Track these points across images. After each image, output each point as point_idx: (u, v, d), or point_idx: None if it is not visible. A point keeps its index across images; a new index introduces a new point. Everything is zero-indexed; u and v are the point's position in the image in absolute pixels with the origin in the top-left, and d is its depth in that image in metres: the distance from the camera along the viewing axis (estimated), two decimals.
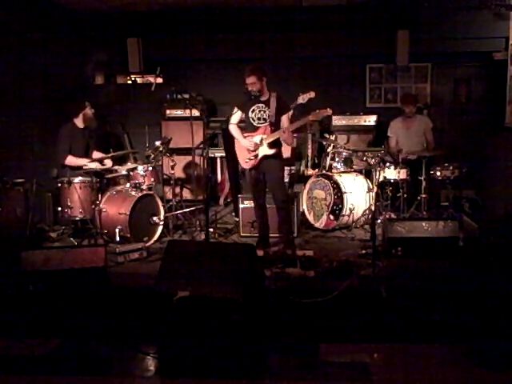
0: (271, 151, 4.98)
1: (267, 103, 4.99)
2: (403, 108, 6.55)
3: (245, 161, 5.13)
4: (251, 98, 5.01)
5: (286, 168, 5.95)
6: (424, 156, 5.84)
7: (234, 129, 5.22)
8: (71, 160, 5.81)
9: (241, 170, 6.07)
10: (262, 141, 5.00)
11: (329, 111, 4.99)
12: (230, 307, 3.47)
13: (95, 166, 5.74)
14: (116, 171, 5.84)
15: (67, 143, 5.85)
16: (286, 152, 6.05)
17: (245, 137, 5.12)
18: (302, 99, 5.69)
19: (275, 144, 5.00)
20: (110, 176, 6.03)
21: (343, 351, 3.45)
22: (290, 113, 5.25)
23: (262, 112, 5.02)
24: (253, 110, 5.05)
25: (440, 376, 3.08)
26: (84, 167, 5.60)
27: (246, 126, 5.16)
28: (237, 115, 5.18)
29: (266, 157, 5.01)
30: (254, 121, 5.07)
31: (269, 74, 5.08)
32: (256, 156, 5.04)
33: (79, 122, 6.01)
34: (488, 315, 3.64)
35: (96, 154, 6.07)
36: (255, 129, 5.06)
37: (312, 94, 5.59)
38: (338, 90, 7.90)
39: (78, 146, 5.92)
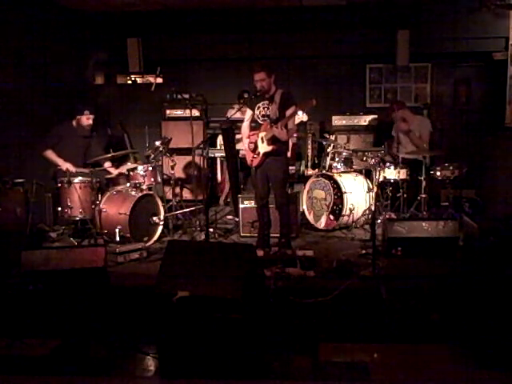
0: (270, 148, 4.94)
1: (271, 100, 4.98)
2: (392, 118, 6.58)
3: (250, 159, 5.13)
4: (258, 96, 5.01)
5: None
6: (424, 157, 5.84)
7: (243, 128, 5.25)
8: (49, 155, 5.88)
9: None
10: (262, 138, 5.00)
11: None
12: (230, 307, 3.46)
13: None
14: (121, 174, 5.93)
15: (54, 138, 5.94)
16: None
17: (252, 134, 5.12)
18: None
19: (275, 141, 4.95)
20: (110, 176, 6.04)
21: (343, 351, 3.45)
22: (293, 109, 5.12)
23: (265, 109, 5.02)
24: (258, 107, 5.05)
25: (440, 376, 3.08)
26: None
27: (254, 124, 5.17)
28: (248, 114, 5.20)
29: (268, 154, 4.98)
30: (258, 118, 5.08)
31: None
32: (258, 154, 5.04)
33: (76, 124, 6.04)
34: (488, 315, 3.63)
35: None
36: (259, 126, 5.06)
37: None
38: (338, 89, 7.91)
39: (69, 146, 5.93)
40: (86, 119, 6.00)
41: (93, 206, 5.46)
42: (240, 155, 6.52)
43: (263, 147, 4.99)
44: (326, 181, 6.10)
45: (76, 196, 5.47)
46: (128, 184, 5.78)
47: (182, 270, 3.72)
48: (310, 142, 7.25)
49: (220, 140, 7.34)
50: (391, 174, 6.03)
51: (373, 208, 5.31)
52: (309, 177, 6.55)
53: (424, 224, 4.95)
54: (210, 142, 7.26)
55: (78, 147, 6.00)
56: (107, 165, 6.09)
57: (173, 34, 7.89)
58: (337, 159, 6.34)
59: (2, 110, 6.02)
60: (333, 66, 7.98)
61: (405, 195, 5.99)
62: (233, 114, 5.50)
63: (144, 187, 5.74)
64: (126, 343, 3.54)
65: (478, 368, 3.13)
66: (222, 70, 8.03)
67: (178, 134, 6.88)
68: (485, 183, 7.12)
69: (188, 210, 6.19)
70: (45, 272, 4.15)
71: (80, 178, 5.56)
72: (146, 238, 5.43)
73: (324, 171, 6.34)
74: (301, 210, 6.16)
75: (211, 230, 5.59)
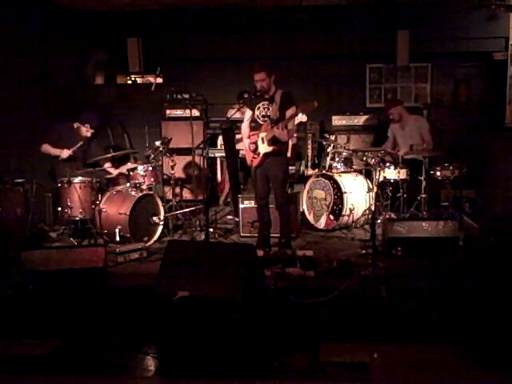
0: (270, 148, 4.94)
1: (271, 100, 4.98)
2: (389, 115, 6.59)
3: (250, 159, 5.13)
4: (258, 96, 5.00)
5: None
6: (424, 157, 5.84)
7: (242, 128, 5.25)
8: (47, 148, 5.91)
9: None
10: (262, 139, 5.00)
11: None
12: (230, 307, 3.47)
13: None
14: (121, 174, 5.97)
15: (54, 136, 5.96)
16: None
17: (252, 135, 5.12)
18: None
19: (276, 142, 4.95)
20: (110, 176, 6.04)
21: (343, 351, 3.44)
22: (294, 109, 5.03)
23: (265, 109, 5.01)
24: (258, 108, 5.05)
25: (440, 376, 3.08)
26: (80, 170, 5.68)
27: (254, 124, 5.17)
28: (247, 114, 5.20)
29: (268, 155, 4.99)
30: (258, 118, 5.07)
31: None
32: (258, 154, 5.04)
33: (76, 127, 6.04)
34: (488, 315, 3.63)
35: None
36: (259, 126, 5.06)
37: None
38: (338, 90, 7.91)
39: (67, 145, 5.91)
40: (86, 131, 6.03)
41: (93, 206, 5.46)
42: (240, 155, 6.52)
43: (263, 147, 4.98)
44: (326, 181, 6.10)
45: (76, 196, 5.47)
46: (128, 184, 5.78)
47: (181, 270, 3.73)
48: (309, 142, 7.26)
49: (220, 140, 7.34)
50: (391, 174, 6.03)
51: (373, 208, 5.31)
52: (309, 177, 6.55)
53: (424, 224, 4.95)
54: (210, 141, 7.26)
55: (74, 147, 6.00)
56: (107, 165, 6.10)
57: (173, 34, 7.89)
58: (337, 159, 6.34)
59: (2, 110, 6.02)
60: (333, 65, 7.98)
61: (405, 195, 5.99)
62: (233, 113, 5.50)
63: (144, 187, 5.74)
64: (126, 343, 3.54)
65: (479, 368, 3.12)
66: (221, 70, 8.03)
67: (178, 134, 6.88)
68: (485, 183, 7.12)
69: (188, 210, 6.20)
70: (45, 272, 4.15)
71: (80, 177, 5.56)
72: (145, 238, 5.43)
73: (324, 171, 6.34)
74: (301, 210, 6.17)
75: (211, 230, 5.59)
